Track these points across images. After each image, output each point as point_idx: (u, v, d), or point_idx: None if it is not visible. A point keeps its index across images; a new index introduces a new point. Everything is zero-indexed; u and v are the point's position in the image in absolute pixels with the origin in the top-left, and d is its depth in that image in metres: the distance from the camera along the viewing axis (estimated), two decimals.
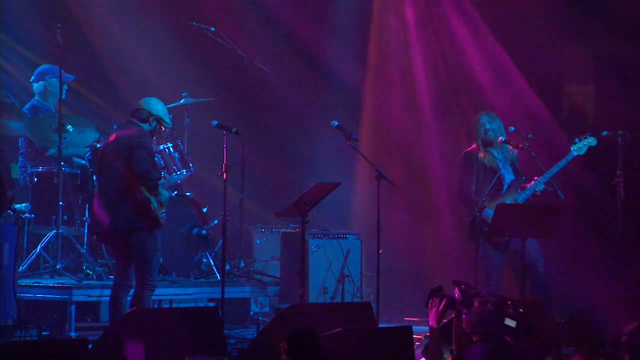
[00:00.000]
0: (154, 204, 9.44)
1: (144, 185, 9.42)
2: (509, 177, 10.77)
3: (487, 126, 10.80)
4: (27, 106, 11.51)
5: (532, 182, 10.64)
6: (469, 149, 10.95)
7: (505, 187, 10.72)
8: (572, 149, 10.68)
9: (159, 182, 9.63)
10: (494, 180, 10.53)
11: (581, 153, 10.70)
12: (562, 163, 10.66)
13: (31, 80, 11.64)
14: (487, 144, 10.78)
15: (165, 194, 9.67)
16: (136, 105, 9.73)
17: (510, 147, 10.64)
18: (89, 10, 13.06)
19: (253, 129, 12.71)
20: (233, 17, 13.48)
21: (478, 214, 10.45)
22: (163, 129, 9.85)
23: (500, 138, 10.70)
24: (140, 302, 9.42)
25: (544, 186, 10.60)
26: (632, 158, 10.76)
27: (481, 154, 10.77)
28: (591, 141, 10.68)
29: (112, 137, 9.63)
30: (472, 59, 13.53)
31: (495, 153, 10.78)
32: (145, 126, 9.62)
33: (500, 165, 10.71)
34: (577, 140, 10.70)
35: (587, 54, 13.36)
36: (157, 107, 9.70)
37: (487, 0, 13.39)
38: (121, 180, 9.44)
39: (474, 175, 10.70)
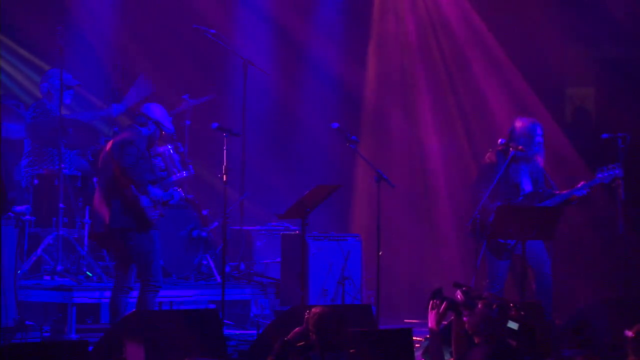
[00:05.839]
0: (144, 202, 9.47)
1: (132, 183, 9.46)
2: (527, 188, 10.64)
3: (540, 139, 10.57)
4: (32, 104, 11.53)
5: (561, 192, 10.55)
6: (492, 156, 10.66)
7: (520, 197, 10.59)
8: (597, 175, 10.54)
9: (148, 182, 9.60)
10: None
11: (605, 182, 10.59)
12: (584, 187, 10.55)
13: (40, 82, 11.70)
14: (523, 157, 10.51)
15: (156, 192, 9.63)
16: (138, 111, 9.83)
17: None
18: (89, 11, 13.06)
19: (253, 130, 12.70)
20: (233, 17, 13.49)
21: (479, 216, 10.38)
22: (163, 133, 9.87)
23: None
24: (143, 303, 9.46)
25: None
26: (632, 160, 10.74)
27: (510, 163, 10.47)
28: (618, 173, 10.57)
29: (110, 142, 9.70)
30: (473, 60, 13.53)
31: (522, 165, 10.60)
32: (144, 130, 9.70)
33: (521, 176, 10.59)
34: (604, 167, 10.56)
35: (588, 56, 13.36)
36: (156, 111, 9.77)
37: (488, 2, 13.40)
38: (113, 179, 9.49)
39: (490, 186, 10.45)
